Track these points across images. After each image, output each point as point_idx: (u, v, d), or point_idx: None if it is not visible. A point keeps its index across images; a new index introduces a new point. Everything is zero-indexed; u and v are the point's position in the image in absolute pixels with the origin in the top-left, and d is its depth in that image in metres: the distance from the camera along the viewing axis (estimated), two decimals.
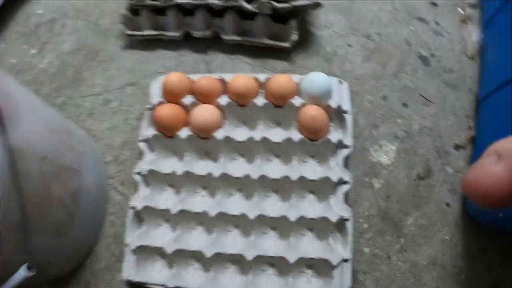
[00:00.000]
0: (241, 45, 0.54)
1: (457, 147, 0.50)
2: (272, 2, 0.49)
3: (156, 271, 0.46)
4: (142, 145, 0.49)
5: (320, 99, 0.46)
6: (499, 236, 0.46)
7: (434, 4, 0.57)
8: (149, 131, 0.48)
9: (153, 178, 0.48)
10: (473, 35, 0.56)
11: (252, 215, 0.43)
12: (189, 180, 0.47)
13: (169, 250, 0.44)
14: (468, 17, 0.56)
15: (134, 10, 0.57)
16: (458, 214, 0.48)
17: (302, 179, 0.44)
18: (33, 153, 0.37)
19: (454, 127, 0.51)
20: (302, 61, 0.54)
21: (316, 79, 0.46)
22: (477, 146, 0.50)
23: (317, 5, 0.49)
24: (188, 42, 0.57)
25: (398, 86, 0.52)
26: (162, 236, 0.47)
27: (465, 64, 0.55)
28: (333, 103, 0.46)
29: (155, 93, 0.51)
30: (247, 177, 0.45)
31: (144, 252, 0.46)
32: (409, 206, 0.48)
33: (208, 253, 0.43)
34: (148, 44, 0.58)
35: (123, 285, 0.48)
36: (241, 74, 0.48)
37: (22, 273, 0.35)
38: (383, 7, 0.57)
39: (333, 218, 0.43)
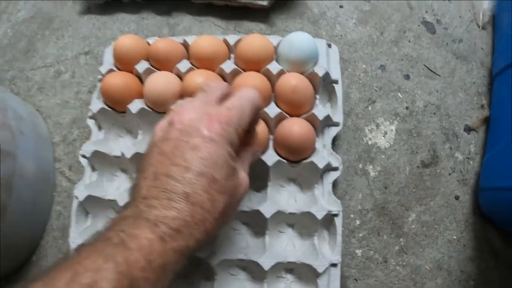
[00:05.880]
0: (211, 6, 0.42)
1: (468, 129, 0.38)
2: None
3: None
4: (91, 123, 0.37)
5: (303, 65, 0.34)
6: None
7: None
8: (96, 105, 0.36)
9: (100, 161, 0.36)
10: (484, 2, 0.44)
11: None
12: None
13: None
14: None
15: None
16: (468, 210, 0.36)
17: (279, 164, 0.32)
18: None
19: (464, 105, 0.39)
20: (284, 23, 0.41)
21: (297, 40, 0.34)
22: (491, 129, 0.38)
23: None
24: (151, 4, 0.44)
25: (399, 55, 0.40)
26: None
27: (476, 33, 0.43)
28: (319, 71, 0.34)
29: (108, 61, 0.38)
30: None
31: None
32: (411, 199, 0.36)
33: None
34: (107, 7, 0.45)
35: None
36: (206, 35, 0.35)
37: None
38: None
39: (319, 214, 0.31)
